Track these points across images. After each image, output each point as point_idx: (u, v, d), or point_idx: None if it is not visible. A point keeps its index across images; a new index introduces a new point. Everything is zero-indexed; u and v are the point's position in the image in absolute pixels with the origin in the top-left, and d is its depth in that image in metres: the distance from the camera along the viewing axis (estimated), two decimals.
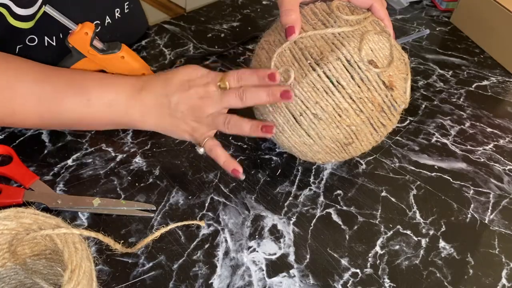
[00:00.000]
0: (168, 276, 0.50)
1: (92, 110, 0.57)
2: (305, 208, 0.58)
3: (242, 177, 0.56)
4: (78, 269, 0.35)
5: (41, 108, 0.56)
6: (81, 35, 0.60)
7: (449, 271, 0.53)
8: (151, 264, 0.51)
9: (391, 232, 0.57)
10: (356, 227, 0.57)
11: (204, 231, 0.55)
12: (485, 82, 0.83)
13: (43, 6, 0.60)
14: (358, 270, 0.52)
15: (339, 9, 0.54)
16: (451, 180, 0.64)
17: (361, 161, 0.65)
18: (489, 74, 0.85)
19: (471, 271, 0.53)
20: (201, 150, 0.58)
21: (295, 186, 0.61)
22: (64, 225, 0.38)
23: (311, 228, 0.56)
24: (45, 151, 0.61)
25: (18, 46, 0.65)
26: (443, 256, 0.55)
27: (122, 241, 0.52)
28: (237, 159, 0.63)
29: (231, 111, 0.56)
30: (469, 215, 0.59)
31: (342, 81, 0.51)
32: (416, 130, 0.71)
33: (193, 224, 0.55)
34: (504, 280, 0.53)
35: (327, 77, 0.51)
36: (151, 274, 0.50)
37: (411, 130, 0.71)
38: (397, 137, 0.69)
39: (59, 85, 0.56)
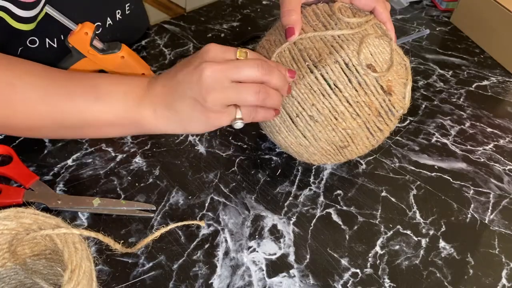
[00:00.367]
0: (168, 276, 0.50)
1: (100, 108, 0.52)
2: (305, 208, 0.58)
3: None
4: (78, 269, 0.35)
5: (45, 108, 0.52)
6: (81, 35, 0.60)
7: (449, 271, 0.53)
8: (151, 264, 0.51)
9: (391, 232, 0.57)
10: (356, 227, 0.57)
11: (204, 231, 0.55)
12: (485, 82, 0.83)
13: (44, 8, 0.60)
14: (358, 270, 0.52)
15: (341, 11, 0.54)
16: (451, 180, 0.64)
17: (361, 161, 0.65)
18: (489, 74, 0.85)
19: (471, 271, 0.53)
20: (237, 125, 0.50)
21: (295, 186, 0.61)
22: (64, 225, 0.38)
23: (311, 228, 0.56)
24: (45, 151, 0.61)
25: (19, 48, 0.65)
26: (443, 256, 0.55)
27: (122, 241, 0.52)
28: (237, 159, 0.63)
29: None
30: (469, 215, 0.59)
31: (340, 84, 0.51)
32: (416, 130, 0.71)
33: (193, 224, 0.55)
34: (504, 280, 0.53)
35: (325, 79, 0.51)
36: (151, 274, 0.50)
37: (411, 130, 0.71)
38: (397, 137, 0.69)
39: (66, 85, 0.53)
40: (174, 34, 0.85)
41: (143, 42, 0.82)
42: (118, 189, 0.58)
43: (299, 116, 0.53)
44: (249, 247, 0.53)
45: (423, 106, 0.76)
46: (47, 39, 0.66)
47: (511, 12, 0.83)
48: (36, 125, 0.53)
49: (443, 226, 0.58)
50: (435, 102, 0.77)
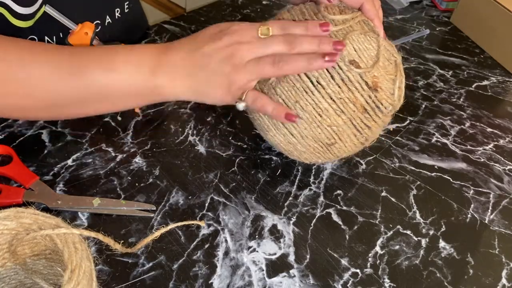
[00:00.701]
0: (168, 276, 0.50)
1: (117, 77, 0.51)
2: (305, 208, 0.58)
3: (298, 121, 0.52)
4: (78, 269, 0.35)
5: (61, 83, 0.51)
6: (81, 35, 0.60)
7: (449, 271, 0.53)
8: (151, 264, 0.51)
9: (391, 232, 0.57)
10: (356, 227, 0.57)
11: (204, 231, 0.55)
12: (485, 82, 0.83)
13: (44, 5, 0.60)
14: (358, 270, 0.52)
15: (327, 9, 0.54)
16: (451, 180, 0.64)
17: (361, 161, 0.65)
18: (489, 74, 0.85)
19: (471, 271, 0.53)
20: (241, 105, 0.52)
21: (295, 186, 0.61)
22: (64, 225, 0.38)
23: (311, 228, 0.56)
24: (45, 151, 0.61)
25: None
26: (443, 256, 0.55)
27: (122, 241, 0.52)
28: (237, 159, 0.63)
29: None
30: (469, 215, 0.59)
31: (322, 81, 0.51)
32: (416, 130, 0.71)
33: (193, 224, 0.55)
34: (504, 280, 0.53)
35: (307, 76, 0.51)
36: (151, 274, 0.50)
37: (411, 130, 0.71)
38: (397, 137, 0.69)
39: (80, 59, 0.52)
40: (174, 34, 0.85)
41: (143, 42, 0.82)
42: (118, 189, 0.58)
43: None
44: (249, 247, 0.53)
45: (423, 106, 0.76)
46: (46, 37, 0.66)
47: (511, 12, 0.83)
48: (54, 103, 0.52)
49: (443, 226, 0.58)
50: (435, 102, 0.77)
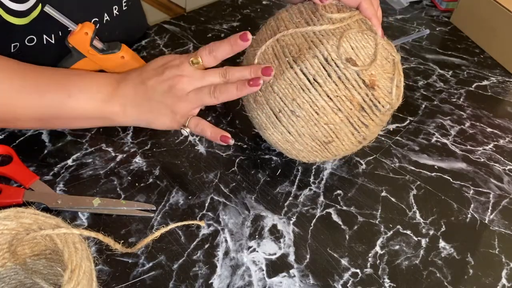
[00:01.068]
0: (168, 276, 0.50)
1: (73, 104, 0.57)
2: (305, 208, 0.58)
3: (232, 142, 0.56)
4: (78, 269, 0.35)
5: (20, 103, 0.56)
6: (81, 35, 0.60)
7: (449, 271, 0.53)
8: (151, 264, 0.51)
9: (391, 232, 0.57)
10: (356, 227, 0.57)
11: (204, 231, 0.55)
12: (485, 82, 0.83)
13: (40, 3, 0.60)
14: (358, 270, 0.52)
15: (325, 8, 0.54)
16: (451, 180, 0.64)
17: (361, 161, 0.65)
18: (489, 74, 0.85)
19: (471, 271, 0.53)
20: (186, 131, 0.57)
21: (295, 186, 0.61)
22: (64, 225, 0.38)
23: (311, 228, 0.56)
24: (45, 151, 0.61)
25: (12, 44, 0.64)
26: (443, 256, 0.55)
27: (122, 241, 0.52)
28: (237, 159, 0.63)
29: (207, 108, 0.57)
30: (469, 215, 0.59)
31: (319, 78, 0.51)
32: (416, 130, 0.71)
33: (193, 224, 0.55)
34: (504, 280, 0.53)
35: (304, 74, 0.51)
36: (151, 274, 0.50)
37: (411, 130, 0.71)
38: (397, 137, 0.69)
39: (40, 82, 0.57)
40: (174, 34, 0.85)
41: (143, 42, 0.82)
42: (118, 189, 0.58)
43: (281, 111, 0.53)
44: (249, 247, 0.53)
45: (423, 106, 0.76)
46: (44, 36, 0.66)
47: (511, 12, 0.83)
48: (11, 118, 0.57)
49: (443, 226, 0.58)
50: (435, 102, 0.77)
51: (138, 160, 0.62)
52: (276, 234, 0.55)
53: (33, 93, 0.56)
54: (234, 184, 0.60)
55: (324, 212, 0.58)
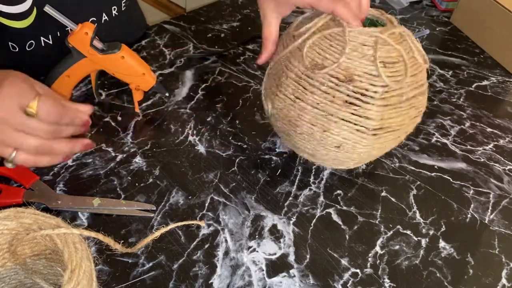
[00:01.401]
0: (168, 276, 0.50)
1: None
2: (305, 208, 0.58)
3: (93, 145, 0.57)
4: (78, 269, 0.35)
5: None
6: (81, 35, 0.60)
7: (449, 271, 0.53)
8: (151, 264, 0.51)
9: (391, 232, 0.57)
10: (356, 227, 0.57)
11: (204, 231, 0.55)
12: (485, 82, 0.83)
13: (34, 6, 0.60)
14: (358, 270, 0.52)
15: (297, 28, 0.55)
16: (451, 180, 0.64)
17: None
18: (489, 74, 0.85)
19: (471, 271, 0.53)
20: (9, 165, 0.51)
21: (295, 186, 0.61)
22: (64, 225, 0.38)
23: (311, 228, 0.56)
24: None
25: (10, 43, 0.64)
26: (443, 256, 0.55)
27: (122, 241, 0.52)
28: (237, 159, 0.63)
29: None
30: (469, 215, 0.59)
31: (299, 95, 0.52)
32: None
33: (193, 224, 0.55)
34: (504, 280, 0.53)
35: (287, 96, 0.54)
36: (151, 274, 0.50)
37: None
38: None
39: None
40: (174, 34, 0.85)
41: (143, 42, 0.82)
42: (118, 189, 0.58)
43: (289, 133, 0.56)
44: (249, 247, 0.53)
45: None
46: (42, 38, 0.66)
47: (511, 12, 0.83)
48: None
49: (443, 226, 0.58)
50: (435, 102, 0.77)
51: (138, 160, 0.62)
52: (276, 234, 0.55)
53: None
54: (234, 184, 0.60)
55: (324, 212, 0.58)
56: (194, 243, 0.53)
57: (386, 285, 0.51)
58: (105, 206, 0.55)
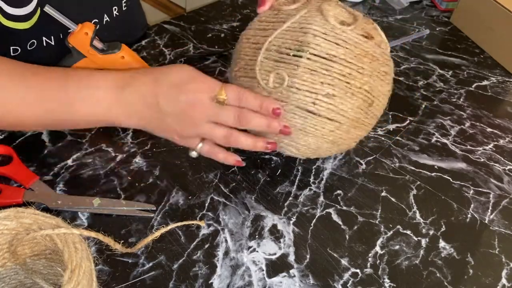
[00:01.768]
0: (168, 276, 0.50)
1: (76, 112, 0.54)
2: (305, 208, 0.58)
3: (243, 164, 0.58)
4: (78, 269, 0.35)
5: (24, 109, 0.54)
6: (81, 35, 0.60)
7: (449, 271, 0.53)
8: (151, 264, 0.51)
9: (391, 232, 0.57)
10: (356, 227, 0.57)
11: (204, 231, 0.55)
12: (485, 82, 0.83)
13: (39, 7, 0.60)
14: (358, 270, 0.52)
15: (283, 4, 0.57)
16: (451, 180, 0.64)
17: (361, 161, 0.65)
18: (489, 74, 0.85)
19: (471, 271, 0.53)
20: (193, 154, 0.56)
21: (295, 186, 0.61)
22: (64, 225, 0.38)
23: (311, 228, 0.56)
24: (45, 151, 0.61)
25: (12, 47, 0.64)
26: (443, 256, 0.55)
27: (122, 241, 0.52)
28: None
29: None
30: (469, 215, 0.59)
31: (331, 51, 0.52)
32: (416, 130, 0.71)
33: (193, 224, 0.55)
34: (504, 280, 0.53)
35: (317, 55, 0.52)
36: (151, 274, 0.50)
37: (411, 130, 0.71)
38: (397, 137, 0.69)
39: (44, 88, 0.54)
40: (174, 34, 0.85)
41: (143, 42, 0.82)
42: (118, 189, 0.58)
43: (315, 102, 0.52)
44: (249, 247, 0.53)
45: (423, 106, 0.76)
46: (44, 38, 0.66)
47: (511, 12, 0.83)
48: (15, 123, 0.57)
49: (443, 226, 0.58)
50: (435, 102, 0.77)
51: (138, 160, 0.62)
52: (276, 234, 0.55)
53: (37, 102, 0.53)
54: (234, 184, 0.60)
55: (324, 212, 0.58)
56: (194, 243, 0.53)
57: (386, 285, 0.51)
58: (105, 206, 0.55)
